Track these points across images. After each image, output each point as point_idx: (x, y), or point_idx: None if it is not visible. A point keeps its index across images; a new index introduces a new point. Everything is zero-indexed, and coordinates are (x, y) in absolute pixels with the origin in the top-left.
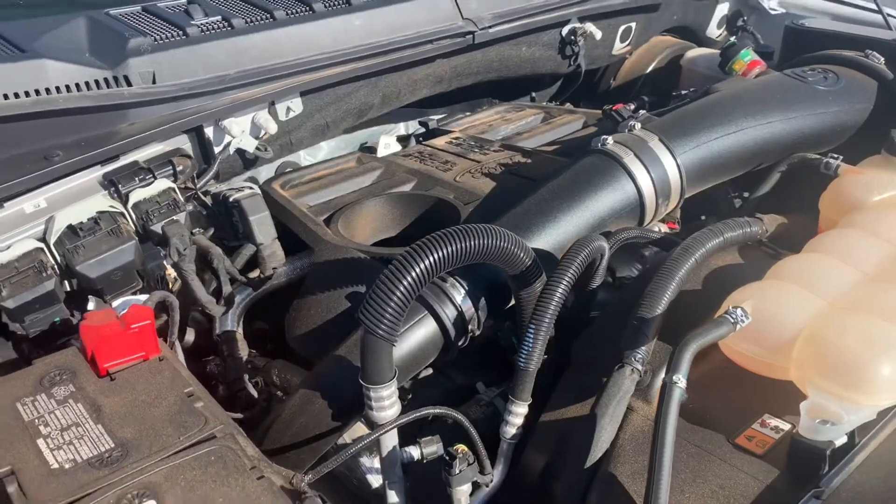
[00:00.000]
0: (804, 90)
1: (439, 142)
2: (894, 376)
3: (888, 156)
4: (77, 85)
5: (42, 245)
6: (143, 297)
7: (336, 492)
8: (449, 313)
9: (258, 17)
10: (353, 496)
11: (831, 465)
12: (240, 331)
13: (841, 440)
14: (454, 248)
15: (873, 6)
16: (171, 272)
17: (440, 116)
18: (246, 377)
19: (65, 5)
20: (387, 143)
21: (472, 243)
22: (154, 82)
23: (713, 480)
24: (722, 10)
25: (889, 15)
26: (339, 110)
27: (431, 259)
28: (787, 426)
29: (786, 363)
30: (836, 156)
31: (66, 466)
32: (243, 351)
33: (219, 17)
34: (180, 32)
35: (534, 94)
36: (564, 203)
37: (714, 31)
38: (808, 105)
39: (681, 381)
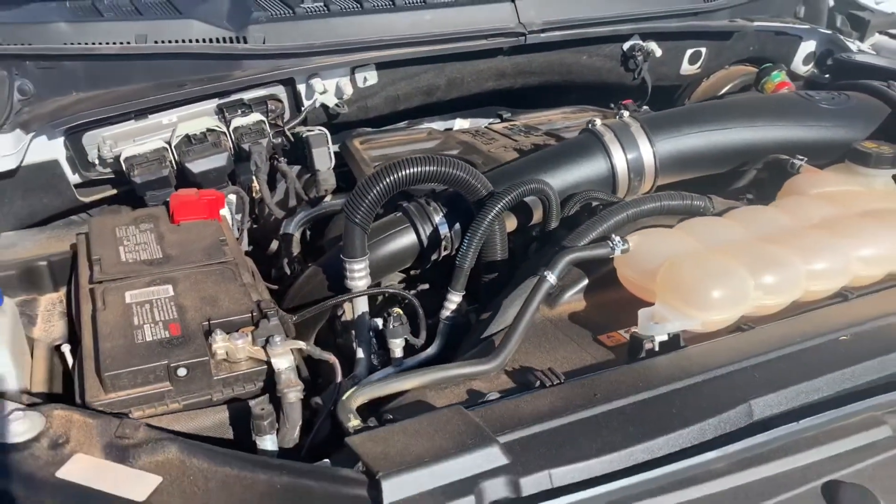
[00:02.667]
0: (803, 104)
1: (498, 126)
2: (722, 298)
3: (850, 164)
4: (209, 39)
5: (166, 146)
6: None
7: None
8: (426, 229)
9: (350, 6)
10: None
11: (651, 354)
12: (297, 235)
13: (661, 338)
14: (417, 169)
15: None
16: (256, 185)
17: None
18: (286, 261)
19: None
20: (461, 125)
21: (433, 168)
22: (263, 43)
23: (559, 353)
24: (808, 47)
25: None
26: (409, 86)
27: (400, 174)
28: None
29: (653, 286)
30: (802, 157)
31: (129, 260)
32: (295, 249)
33: (321, 3)
34: (290, 10)
35: (612, 105)
36: (544, 165)
37: (800, 67)
38: (803, 117)
39: (550, 276)
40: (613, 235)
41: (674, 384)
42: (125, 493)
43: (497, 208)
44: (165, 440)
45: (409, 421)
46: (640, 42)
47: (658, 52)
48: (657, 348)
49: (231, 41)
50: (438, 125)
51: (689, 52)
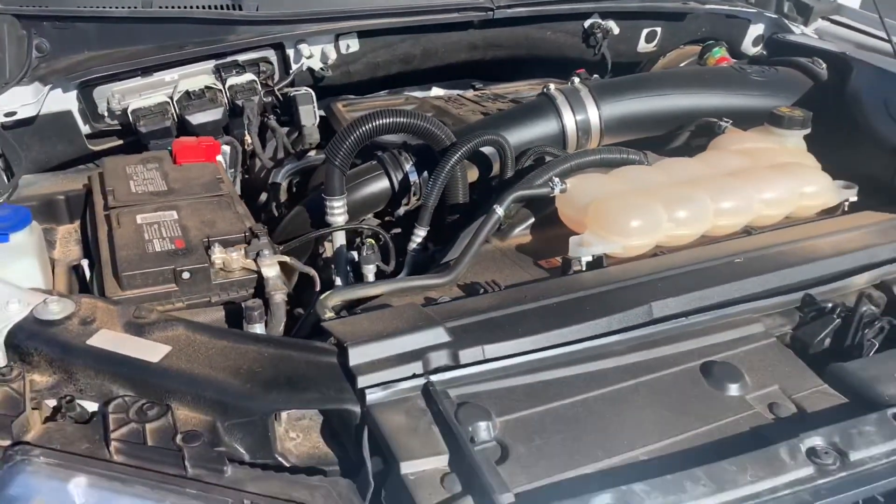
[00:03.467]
0: (736, 76)
1: (469, 94)
2: (639, 227)
3: (768, 126)
4: (209, 6)
5: (168, 100)
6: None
7: None
8: (398, 176)
9: None
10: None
11: (577, 272)
12: (283, 185)
13: (587, 259)
14: (390, 120)
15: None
16: (248, 138)
17: None
18: (274, 205)
19: None
20: (436, 93)
21: (404, 119)
22: (257, 10)
23: (504, 273)
24: (756, 30)
25: None
26: (388, 54)
27: (376, 123)
28: None
29: (585, 220)
30: (727, 120)
31: (139, 192)
32: (283, 196)
33: None
34: None
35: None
36: (503, 123)
37: (750, 48)
38: (734, 87)
39: (499, 209)
40: (554, 177)
41: (590, 290)
42: (142, 356)
43: (458, 154)
44: (173, 320)
45: (373, 312)
46: (600, 20)
47: (616, 30)
48: (584, 268)
49: (228, 8)
50: (416, 95)
51: (646, 31)
